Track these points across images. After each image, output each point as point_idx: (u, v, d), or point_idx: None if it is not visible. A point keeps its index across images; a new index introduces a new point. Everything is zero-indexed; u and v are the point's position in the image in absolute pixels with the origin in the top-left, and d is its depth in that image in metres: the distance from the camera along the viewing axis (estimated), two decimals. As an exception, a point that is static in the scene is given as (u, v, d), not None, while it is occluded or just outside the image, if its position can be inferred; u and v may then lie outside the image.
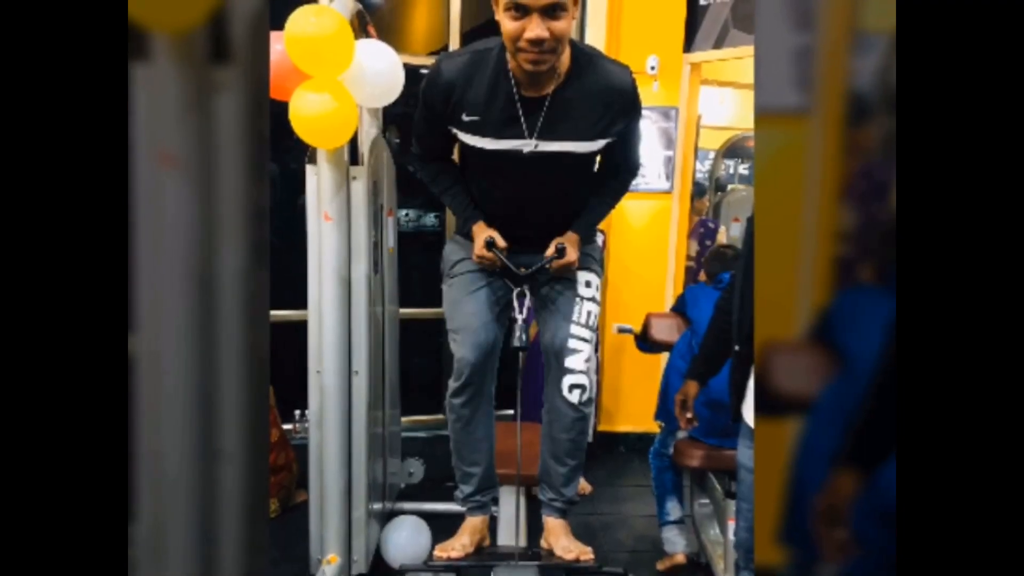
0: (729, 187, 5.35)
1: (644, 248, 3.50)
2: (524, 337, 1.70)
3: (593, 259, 1.87)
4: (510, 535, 2.07)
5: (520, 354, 1.74)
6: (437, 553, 1.83)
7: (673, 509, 2.52)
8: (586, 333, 1.79)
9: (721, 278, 2.43)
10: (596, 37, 3.22)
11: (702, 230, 4.30)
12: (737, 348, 1.74)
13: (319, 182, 2.05)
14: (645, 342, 2.67)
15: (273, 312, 2.16)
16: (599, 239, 3.08)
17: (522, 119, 1.62)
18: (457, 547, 1.84)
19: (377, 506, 2.42)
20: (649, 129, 3.35)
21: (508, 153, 1.66)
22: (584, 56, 1.63)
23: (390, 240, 2.51)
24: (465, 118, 1.64)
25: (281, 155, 3.39)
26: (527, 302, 1.78)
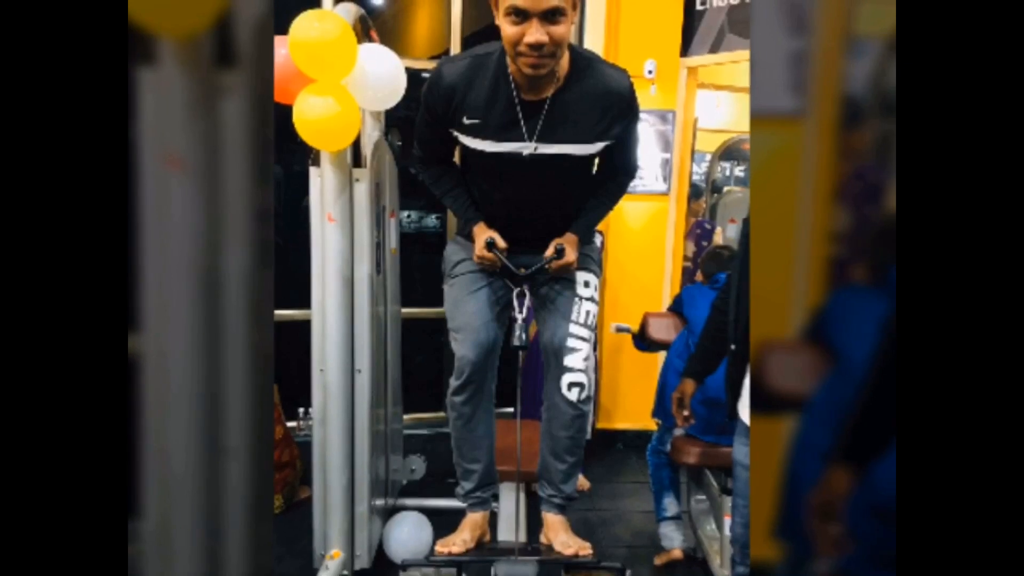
0: (725, 189, 5.35)
1: (642, 249, 3.52)
2: (524, 336, 1.71)
3: (591, 259, 1.89)
4: (510, 531, 2.08)
5: (520, 353, 1.75)
6: (438, 548, 1.84)
7: (670, 505, 2.54)
8: (585, 332, 1.81)
9: (717, 278, 2.46)
10: (594, 41, 3.24)
11: (699, 231, 4.30)
12: (733, 347, 1.77)
13: (323, 184, 2.07)
14: (643, 341, 2.70)
15: (277, 311, 2.18)
16: (597, 240, 3.12)
17: (522, 122, 1.64)
18: (458, 542, 1.85)
19: (379, 502, 2.44)
20: (647, 132, 3.37)
21: (508, 156, 1.67)
22: (583, 60, 1.65)
23: (392, 241, 2.53)
24: (466, 121, 1.66)
25: (285, 157, 3.41)
26: (527, 302, 1.79)
